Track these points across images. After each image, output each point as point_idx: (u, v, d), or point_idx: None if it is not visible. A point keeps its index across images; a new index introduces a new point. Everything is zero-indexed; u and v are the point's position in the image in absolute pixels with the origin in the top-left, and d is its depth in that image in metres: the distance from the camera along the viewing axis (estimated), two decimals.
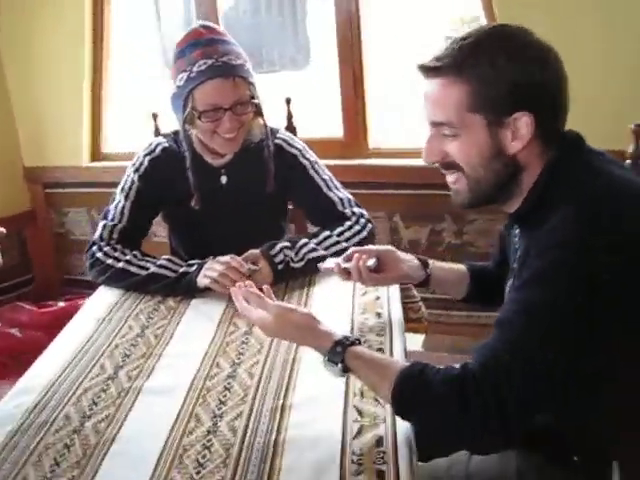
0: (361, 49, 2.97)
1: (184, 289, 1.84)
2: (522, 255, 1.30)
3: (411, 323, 1.94)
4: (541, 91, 1.19)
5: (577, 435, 1.29)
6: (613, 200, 1.15)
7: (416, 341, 2.44)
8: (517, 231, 1.37)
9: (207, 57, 1.83)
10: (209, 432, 1.29)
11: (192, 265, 1.86)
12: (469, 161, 1.24)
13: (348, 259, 1.62)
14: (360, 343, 1.30)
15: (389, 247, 1.68)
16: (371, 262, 1.58)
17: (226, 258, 1.80)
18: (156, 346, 1.62)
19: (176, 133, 2.03)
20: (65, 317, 3.22)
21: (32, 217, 3.63)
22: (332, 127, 3.25)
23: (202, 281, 1.80)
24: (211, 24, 1.94)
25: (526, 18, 2.54)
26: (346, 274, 1.63)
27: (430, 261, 1.67)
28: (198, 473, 1.18)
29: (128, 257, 1.90)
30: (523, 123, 1.19)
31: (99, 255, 1.92)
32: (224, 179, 2.02)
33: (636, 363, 1.21)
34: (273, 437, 1.25)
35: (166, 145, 2.04)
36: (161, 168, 2.01)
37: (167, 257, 1.91)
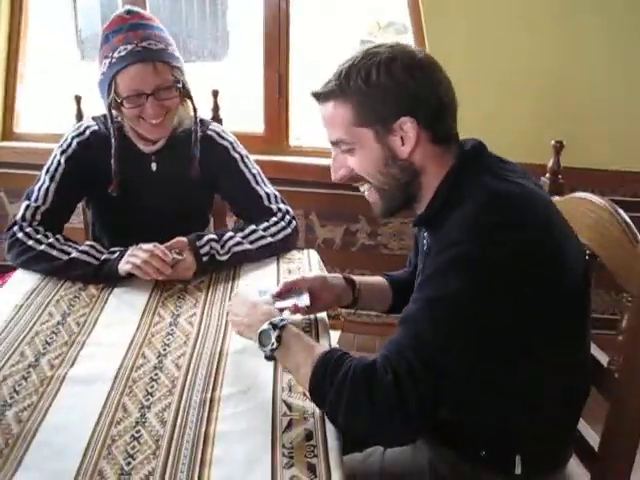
0: (288, 49, 2.99)
1: (105, 276, 1.81)
2: (426, 255, 1.38)
3: (329, 320, 1.98)
4: (415, 95, 1.27)
5: (485, 432, 1.35)
6: (513, 207, 1.22)
7: (333, 338, 2.48)
8: (425, 233, 1.44)
9: (127, 42, 1.82)
10: (137, 423, 1.28)
11: (114, 252, 1.83)
12: (368, 171, 1.34)
13: (279, 294, 1.61)
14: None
15: (318, 275, 1.73)
16: (307, 301, 1.58)
17: (149, 246, 1.79)
18: (78, 334, 1.59)
19: (107, 116, 1.98)
20: None
21: None
22: (251, 120, 3.25)
23: (124, 267, 1.78)
24: (136, 9, 1.92)
25: (452, 27, 2.67)
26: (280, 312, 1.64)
27: (356, 280, 1.70)
28: (129, 464, 1.17)
29: (50, 240, 1.86)
30: (408, 127, 1.27)
31: (20, 235, 1.87)
32: (154, 166, 2.01)
33: (557, 378, 1.30)
34: (203, 429, 1.26)
35: (96, 128, 2.01)
36: (89, 152, 1.98)
37: (90, 243, 1.88)
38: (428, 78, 1.28)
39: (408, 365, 1.16)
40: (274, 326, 1.35)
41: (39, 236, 1.87)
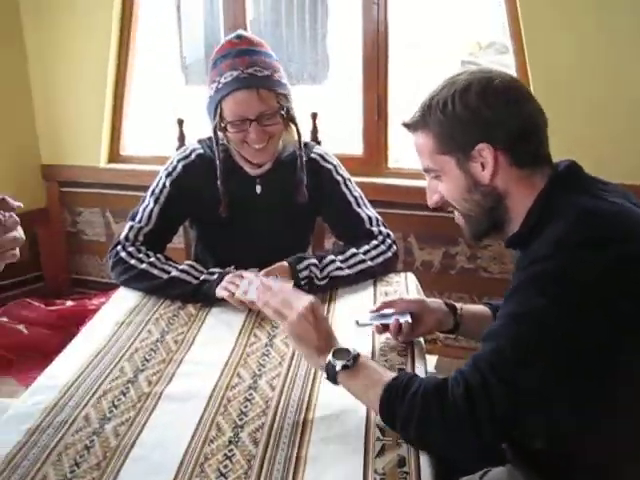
0: (387, 72, 3.00)
1: (202, 297, 1.83)
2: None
3: (426, 344, 1.94)
4: (490, 121, 1.28)
5: (581, 465, 1.28)
6: (608, 223, 1.19)
7: (430, 362, 2.44)
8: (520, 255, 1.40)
9: (233, 69, 1.84)
10: (230, 442, 1.28)
11: (213, 273, 1.85)
12: (454, 198, 1.37)
13: (377, 310, 1.64)
14: None
15: (418, 298, 1.71)
16: (409, 319, 1.58)
17: (250, 275, 1.79)
18: (176, 352, 1.61)
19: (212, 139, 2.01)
20: (72, 316, 3.26)
21: (45, 215, 3.63)
22: (349, 142, 3.26)
23: (221, 293, 1.80)
24: (246, 34, 1.94)
25: (553, 46, 2.60)
26: (383, 329, 1.63)
27: (458, 307, 1.67)
28: None
29: (152, 259, 1.90)
30: (486, 153, 1.28)
31: (123, 255, 1.92)
32: (259, 188, 2.02)
33: None
34: (295, 451, 1.25)
35: (201, 152, 2.03)
36: (194, 174, 2.01)
37: (189, 263, 1.91)
38: (504, 102, 1.29)
39: (482, 379, 1.15)
40: (347, 354, 1.33)
41: (141, 255, 1.91)
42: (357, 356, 1.33)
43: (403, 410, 1.22)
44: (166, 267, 1.89)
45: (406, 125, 1.40)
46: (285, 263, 1.86)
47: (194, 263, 1.92)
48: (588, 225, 1.18)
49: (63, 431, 1.32)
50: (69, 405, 1.41)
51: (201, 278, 1.85)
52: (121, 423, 1.35)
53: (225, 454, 1.25)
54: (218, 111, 1.88)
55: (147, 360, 1.58)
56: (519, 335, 1.16)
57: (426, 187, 1.42)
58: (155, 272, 1.88)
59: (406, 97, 3.66)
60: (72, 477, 1.20)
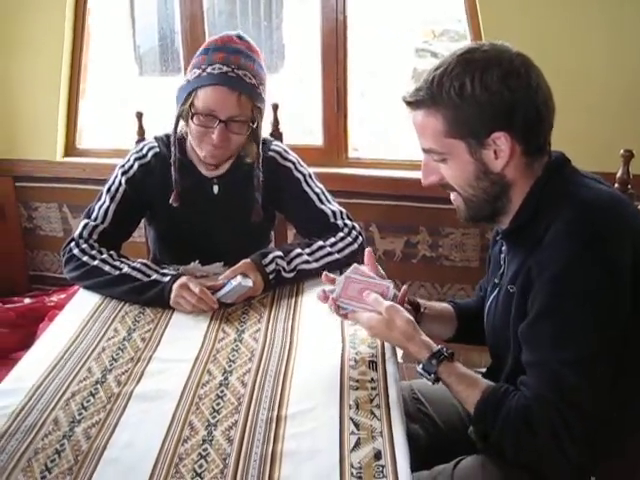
0: (346, 61, 2.98)
1: (153, 299, 1.78)
2: (518, 272, 1.32)
3: None
4: (512, 109, 1.23)
5: None
6: (605, 211, 1.21)
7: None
8: (503, 247, 1.40)
9: (225, 64, 1.81)
10: (204, 441, 1.27)
11: (166, 275, 1.80)
12: (458, 182, 1.32)
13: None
14: (453, 356, 1.35)
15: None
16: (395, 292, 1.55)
17: (196, 289, 1.73)
18: (144, 350, 1.59)
19: (169, 136, 1.97)
20: (31, 314, 3.19)
21: (0, 210, 3.54)
22: (309, 132, 3.24)
23: (176, 305, 1.76)
24: (247, 37, 1.90)
25: (511, 35, 2.61)
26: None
27: (421, 303, 1.66)
28: None
29: (104, 256, 1.86)
30: (502, 142, 1.24)
31: (76, 252, 1.88)
32: (216, 189, 1.99)
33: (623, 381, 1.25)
34: (270, 448, 1.24)
35: (157, 150, 1.99)
36: (151, 174, 1.97)
37: (143, 261, 1.87)
38: (525, 85, 1.24)
39: (558, 412, 1.18)
40: (429, 369, 1.34)
41: (94, 252, 1.87)
42: (438, 379, 1.34)
43: (496, 429, 1.25)
44: (117, 264, 1.84)
45: (408, 102, 1.31)
46: (248, 260, 1.84)
47: (148, 262, 1.88)
48: (594, 219, 1.19)
49: (32, 436, 1.30)
50: (37, 408, 1.38)
51: (152, 277, 1.80)
52: (91, 425, 1.33)
53: (200, 453, 1.24)
54: (190, 98, 1.83)
55: (115, 359, 1.56)
56: (578, 357, 1.18)
57: (422, 166, 1.36)
58: (106, 268, 1.83)
59: (363, 86, 3.66)
60: None
